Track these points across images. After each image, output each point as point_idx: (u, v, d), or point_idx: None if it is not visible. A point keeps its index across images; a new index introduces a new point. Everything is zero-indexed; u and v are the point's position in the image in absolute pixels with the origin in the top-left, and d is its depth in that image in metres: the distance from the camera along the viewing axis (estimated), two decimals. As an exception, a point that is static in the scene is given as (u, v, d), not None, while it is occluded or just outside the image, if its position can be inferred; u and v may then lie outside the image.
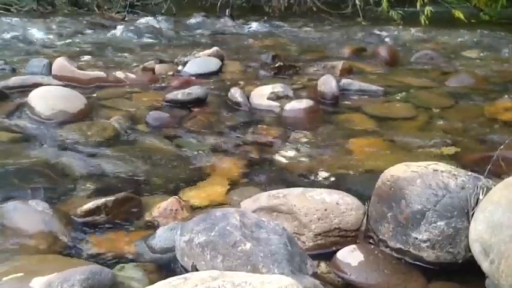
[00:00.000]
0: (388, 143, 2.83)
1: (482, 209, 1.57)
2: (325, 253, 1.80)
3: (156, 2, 7.30)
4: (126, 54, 4.79)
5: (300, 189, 1.97)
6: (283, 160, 2.60)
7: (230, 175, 2.41)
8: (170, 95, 3.28)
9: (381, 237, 1.78)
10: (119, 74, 3.79)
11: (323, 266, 1.74)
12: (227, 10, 6.89)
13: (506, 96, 3.50)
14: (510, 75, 4.24)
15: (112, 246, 1.85)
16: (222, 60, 4.23)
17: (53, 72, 3.72)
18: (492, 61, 4.79)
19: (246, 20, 6.45)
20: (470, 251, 1.59)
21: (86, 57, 4.50)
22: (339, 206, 1.85)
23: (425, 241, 1.68)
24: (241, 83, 3.80)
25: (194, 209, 2.09)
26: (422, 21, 6.01)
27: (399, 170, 1.80)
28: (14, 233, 1.84)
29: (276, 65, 4.19)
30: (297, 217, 1.85)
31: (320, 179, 2.39)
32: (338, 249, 1.77)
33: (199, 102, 3.27)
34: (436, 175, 1.74)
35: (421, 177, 1.74)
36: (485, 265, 1.51)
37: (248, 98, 3.36)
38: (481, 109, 3.37)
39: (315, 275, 1.64)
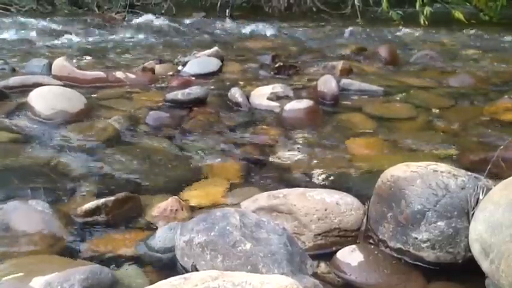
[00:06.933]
0: (388, 143, 2.83)
1: (482, 209, 1.57)
2: (325, 253, 1.80)
3: (156, 2, 7.32)
4: (126, 54, 4.79)
5: (300, 189, 1.97)
6: (283, 160, 2.60)
7: (230, 175, 2.41)
8: (170, 95, 3.28)
9: (380, 237, 1.78)
10: (119, 74, 3.79)
11: (323, 266, 1.74)
12: (227, 10, 6.91)
13: (506, 96, 3.50)
14: (510, 75, 4.24)
15: (112, 246, 1.85)
16: (222, 60, 4.23)
17: (52, 72, 3.73)
18: (492, 61, 4.79)
19: (246, 20, 6.45)
20: (470, 251, 1.59)
21: (86, 57, 4.50)
22: (339, 206, 1.85)
23: (425, 241, 1.68)
24: (241, 83, 3.80)
25: (194, 209, 2.09)
26: (422, 22, 6.02)
27: (399, 170, 1.80)
28: (14, 233, 1.84)
29: (276, 65, 4.19)
30: (297, 217, 1.85)
31: (320, 179, 2.38)
32: (338, 249, 1.77)
33: (199, 102, 3.26)
34: (436, 175, 1.74)
35: (421, 177, 1.74)
36: (485, 265, 1.51)
37: (248, 98, 3.36)
38: (481, 109, 3.37)
39: (315, 275, 1.65)
